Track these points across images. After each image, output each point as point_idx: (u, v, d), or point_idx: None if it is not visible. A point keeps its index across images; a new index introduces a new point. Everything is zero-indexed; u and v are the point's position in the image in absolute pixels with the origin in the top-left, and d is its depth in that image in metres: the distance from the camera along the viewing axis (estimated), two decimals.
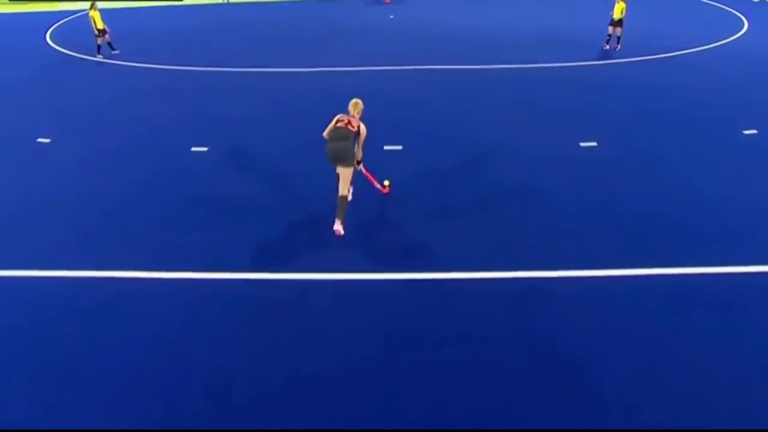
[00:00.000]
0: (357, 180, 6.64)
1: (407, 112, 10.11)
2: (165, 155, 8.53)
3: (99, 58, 15.26)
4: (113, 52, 15.67)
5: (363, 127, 6.27)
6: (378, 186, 6.99)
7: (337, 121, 6.19)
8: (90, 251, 6.08)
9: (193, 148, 8.61)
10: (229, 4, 26.02)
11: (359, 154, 6.42)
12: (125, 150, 8.83)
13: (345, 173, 6.13)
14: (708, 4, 22.39)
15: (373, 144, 7.91)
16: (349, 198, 6.51)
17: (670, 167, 7.74)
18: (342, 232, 6.06)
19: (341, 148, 6.03)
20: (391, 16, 20.02)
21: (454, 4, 22.71)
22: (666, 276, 5.43)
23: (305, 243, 6.16)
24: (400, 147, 8.33)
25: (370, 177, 6.89)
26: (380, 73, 12.62)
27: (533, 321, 4.91)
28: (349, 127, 6.12)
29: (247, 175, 7.82)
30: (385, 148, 8.28)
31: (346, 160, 6.08)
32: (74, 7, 26.65)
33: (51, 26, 20.78)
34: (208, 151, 8.54)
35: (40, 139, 9.19)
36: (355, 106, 6.34)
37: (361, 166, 6.65)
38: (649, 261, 5.63)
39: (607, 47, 14.45)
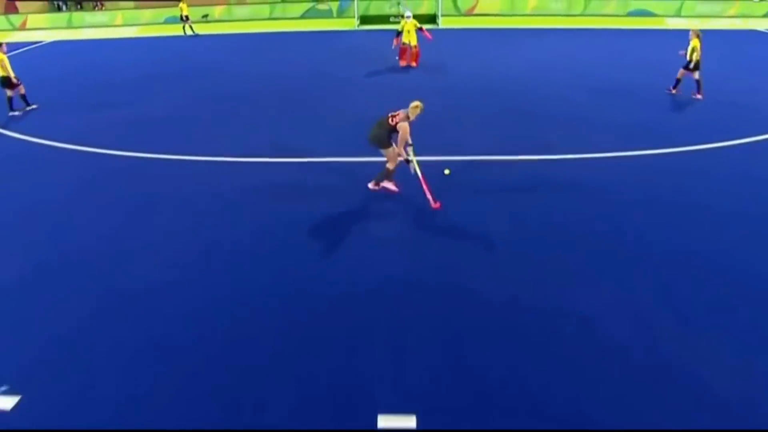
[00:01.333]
0: None
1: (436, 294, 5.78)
2: None
3: (17, 113, 11.84)
4: (11, 113, 11.83)
5: (401, 126, 6.50)
6: (429, 197, 6.87)
7: (391, 116, 6.66)
8: None
9: None
10: (196, 36, 21.87)
11: (400, 150, 6.69)
12: None
13: (385, 152, 6.81)
14: None
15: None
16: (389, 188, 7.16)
17: None
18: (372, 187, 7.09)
19: (374, 134, 6.77)
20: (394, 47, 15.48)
21: (474, 48, 18.66)
22: None
23: None
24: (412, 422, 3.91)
25: (424, 185, 6.90)
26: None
27: None
28: (390, 120, 6.63)
29: None
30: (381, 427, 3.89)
31: (378, 144, 6.78)
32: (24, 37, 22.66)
33: None
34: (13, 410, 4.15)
35: None
36: (415, 108, 6.61)
37: (411, 165, 6.87)
38: None
39: (674, 92, 11.72)
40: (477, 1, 24.90)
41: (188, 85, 13.82)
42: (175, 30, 22.80)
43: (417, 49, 14.66)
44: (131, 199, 7.54)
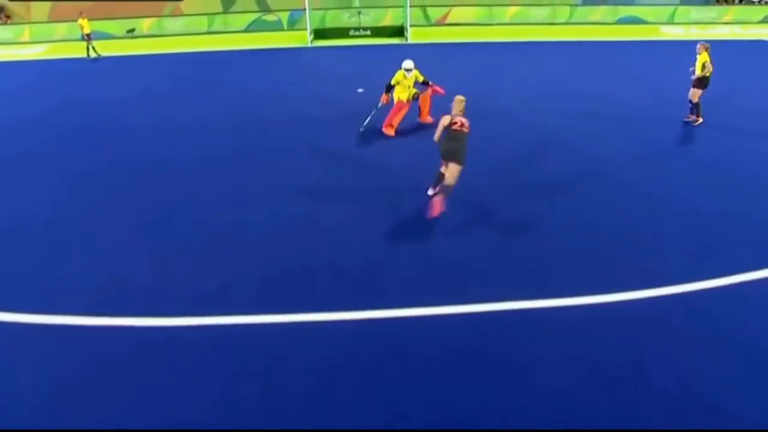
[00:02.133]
0: None
1: None
2: None
3: None
4: None
5: (468, 125, 6.59)
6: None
7: (452, 124, 6.52)
8: None
9: None
10: (100, 58, 17.93)
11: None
12: None
13: (454, 169, 6.35)
14: None
15: None
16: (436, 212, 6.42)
17: None
18: (437, 210, 6.20)
19: (459, 149, 6.41)
20: (360, 90, 12.16)
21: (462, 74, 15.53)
22: None
23: None
24: None
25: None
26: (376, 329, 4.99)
27: None
28: (464, 129, 6.52)
29: None
30: None
31: (459, 159, 6.37)
32: None
33: None
34: None
35: None
36: (460, 103, 6.63)
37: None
38: None
39: (693, 119, 9.97)
40: (449, 10, 21.87)
41: (66, 148, 9.98)
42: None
43: (429, 92, 9.80)
44: None
